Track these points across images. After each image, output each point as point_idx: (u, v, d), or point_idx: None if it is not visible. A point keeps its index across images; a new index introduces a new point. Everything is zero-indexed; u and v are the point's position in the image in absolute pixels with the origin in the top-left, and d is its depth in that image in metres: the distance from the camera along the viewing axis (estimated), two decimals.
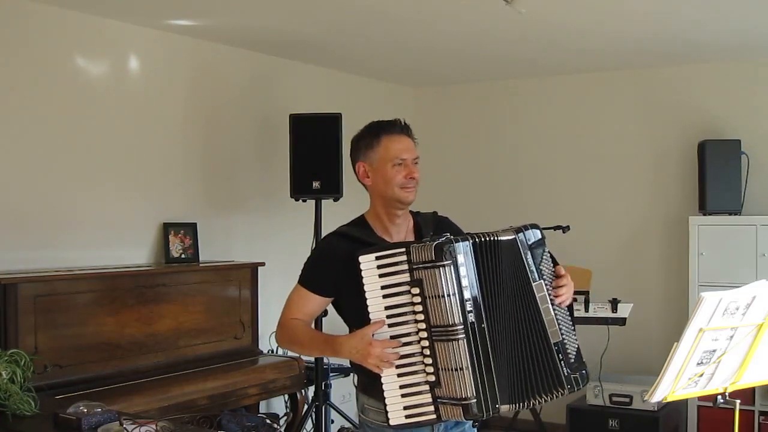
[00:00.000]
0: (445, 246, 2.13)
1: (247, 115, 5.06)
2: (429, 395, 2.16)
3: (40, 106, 3.96)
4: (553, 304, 2.26)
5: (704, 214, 5.16)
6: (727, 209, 5.09)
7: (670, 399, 2.40)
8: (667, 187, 5.57)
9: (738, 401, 2.52)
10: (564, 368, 2.24)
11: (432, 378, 2.15)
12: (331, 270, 2.35)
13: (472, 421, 2.40)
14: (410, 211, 2.48)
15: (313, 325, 2.50)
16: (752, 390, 4.75)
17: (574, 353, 2.30)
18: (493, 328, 2.19)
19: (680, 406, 5.09)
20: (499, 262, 2.21)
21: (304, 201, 4.84)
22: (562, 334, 2.26)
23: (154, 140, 4.49)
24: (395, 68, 5.71)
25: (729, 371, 2.43)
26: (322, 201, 4.84)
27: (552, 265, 2.32)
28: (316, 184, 4.72)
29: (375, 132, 2.41)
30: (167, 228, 4.44)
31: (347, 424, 5.03)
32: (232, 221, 4.95)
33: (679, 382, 2.34)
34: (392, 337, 2.18)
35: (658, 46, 4.96)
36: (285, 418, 4.69)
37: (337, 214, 5.00)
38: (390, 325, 2.18)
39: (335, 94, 5.61)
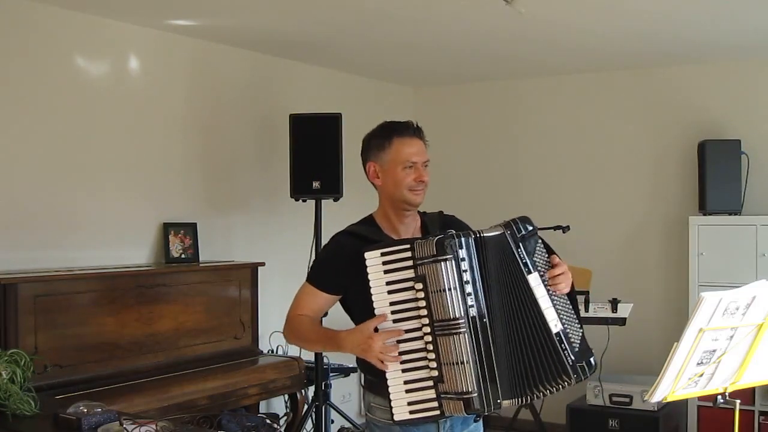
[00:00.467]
0: (446, 240, 2.17)
1: (247, 115, 5.06)
2: (433, 391, 2.18)
3: (40, 105, 3.96)
4: (550, 294, 2.27)
5: (704, 214, 5.16)
6: (727, 209, 5.09)
7: (670, 399, 2.40)
8: (667, 187, 5.57)
9: (738, 401, 2.52)
10: (568, 357, 2.24)
11: (435, 373, 2.17)
12: (339, 268, 2.37)
13: (479, 418, 2.42)
14: (418, 211, 2.51)
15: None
16: (752, 390, 4.75)
17: (578, 341, 2.29)
18: (493, 322, 2.21)
19: (680, 406, 5.09)
20: (492, 257, 2.23)
21: (304, 201, 4.84)
22: (563, 323, 2.26)
23: (154, 140, 4.49)
24: (395, 68, 5.71)
25: (729, 371, 2.43)
26: (322, 201, 4.84)
27: (547, 255, 2.32)
28: (316, 184, 4.72)
29: (387, 133, 2.43)
30: (167, 228, 4.44)
31: (347, 424, 5.03)
32: (232, 221, 4.95)
33: (679, 382, 2.34)
34: None
35: (658, 46, 4.96)
36: (285, 418, 4.70)
37: (337, 214, 5.02)
38: (395, 321, 2.20)
39: (335, 94, 5.61)
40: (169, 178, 4.58)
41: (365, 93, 5.98)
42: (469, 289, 2.18)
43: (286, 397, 4.65)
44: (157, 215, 4.47)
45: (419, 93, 6.45)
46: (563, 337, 2.25)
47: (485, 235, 2.24)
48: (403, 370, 2.20)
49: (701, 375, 2.37)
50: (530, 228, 2.29)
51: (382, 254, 2.20)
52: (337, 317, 2.50)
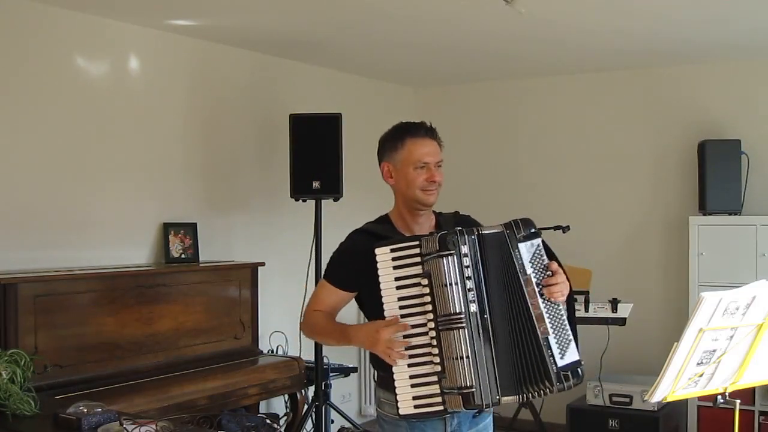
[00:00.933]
0: (448, 237, 2.21)
1: (247, 115, 5.06)
2: (437, 386, 2.22)
3: (40, 106, 3.96)
4: (543, 299, 2.27)
5: (704, 214, 5.16)
6: (727, 209, 5.09)
7: (670, 399, 2.40)
8: (667, 187, 5.57)
9: (738, 401, 2.51)
10: (553, 364, 2.24)
11: (438, 368, 2.21)
12: (353, 265, 2.42)
13: (478, 414, 2.43)
14: (433, 211, 2.55)
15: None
16: (752, 390, 4.75)
17: (567, 349, 2.29)
18: (493, 318, 2.24)
19: (680, 406, 5.09)
20: (492, 255, 2.26)
21: (304, 201, 4.84)
22: (553, 330, 2.26)
23: (155, 140, 4.49)
24: (396, 68, 5.71)
25: (729, 371, 2.43)
26: (322, 201, 4.84)
27: (546, 260, 2.32)
28: (316, 184, 4.72)
29: (400, 134, 2.48)
30: (167, 228, 4.44)
31: (347, 424, 5.03)
32: (232, 221, 4.95)
33: (679, 382, 2.34)
34: None
35: (658, 46, 4.96)
36: (285, 418, 4.70)
37: (337, 214, 5.05)
38: (403, 317, 2.25)
39: (335, 94, 5.61)
40: (170, 178, 4.58)
41: (365, 93, 5.98)
42: (470, 284, 2.21)
43: (286, 397, 4.65)
44: (157, 215, 4.47)
45: (419, 93, 6.45)
46: (550, 343, 2.25)
47: (484, 232, 2.28)
48: (409, 365, 2.24)
49: (701, 375, 2.37)
50: (531, 230, 2.30)
51: (392, 250, 2.25)
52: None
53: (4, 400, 2.67)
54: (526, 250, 2.28)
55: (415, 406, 2.24)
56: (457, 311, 2.19)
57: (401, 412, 2.25)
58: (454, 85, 6.31)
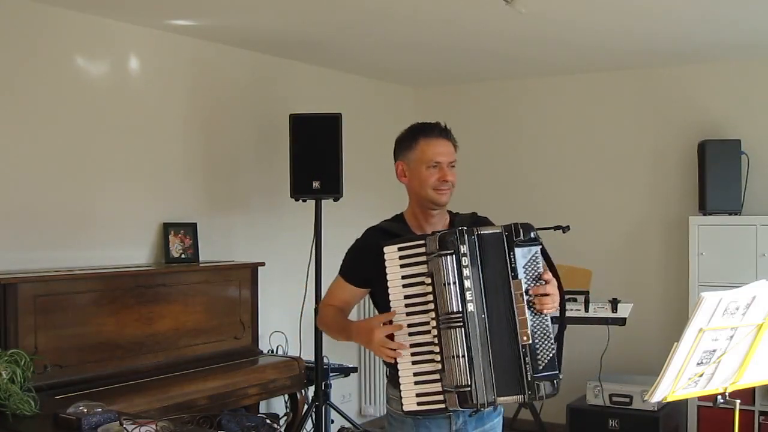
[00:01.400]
0: (448, 236, 2.24)
1: (247, 115, 5.07)
2: (439, 384, 2.25)
3: (40, 106, 3.96)
4: (530, 306, 2.26)
5: (704, 214, 5.16)
6: (727, 209, 5.09)
7: (670, 399, 2.40)
8: (667, 187, 5.57)
9: (738, 401, 2.51)
10: (527, 372, 2.24)
11: (439, 366, 2.24)
12: (365, 262, 2.44)
13: (474, 414, 2.42)
14: (449, 211, 2.57)
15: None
16: (752, 390, 4.75)
17: (546, 360, 2.26)
18: (488, 319, 2.25)
19: (680, 406, 5.08)
20: (489, 255, 2.27)
21: (304, 201, 4.84)
22: (533, 338, 2.25)
23: (155, 140, 4.49)
24: (396, 68, 5.71)
25: (729, 371, 2.43)
26: (322, 201, 4.83)
27: (540, 268, 2.30)
28: (316, 184, 4.72)
29: (414, 134, 2.51)
30: (167, 228, 4.44)
31: (347, 424, 5.03)
32: (232, 221, 4.95)
33: (679, 382, 2.34)
34: (409, 326, 2.29)
35: (658, 46, 4.96)
36: (285, 418, 4.70)
37: (337, 214, 5.05)
38: (408, 315, 2.28)
39: (335, 94, 5.61)
40: (170, 178, 4.58)
41: (365, 93, 5.98)
42: (468, 284, 2.23)
43: (286, 397, 4.65)
44: (157, 215, 4.47)
45: (419, 93, 6.45)
46: (528, 351, 2.24)
47: (483, 232, 2.29)
48: (414, 363, 2.28)
49: (701, 375, 2.37)
50: (531, 235, 2.29)
51: (399, 249, 2.29)
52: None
53: (4, 400, 2.67)
54: (521, 255, 2.27)
55: (418, 403, 2.27)
56: (456, 310, 2.21)
57: (405, 408, 2.29)
58: (454, 85, 6.31)
